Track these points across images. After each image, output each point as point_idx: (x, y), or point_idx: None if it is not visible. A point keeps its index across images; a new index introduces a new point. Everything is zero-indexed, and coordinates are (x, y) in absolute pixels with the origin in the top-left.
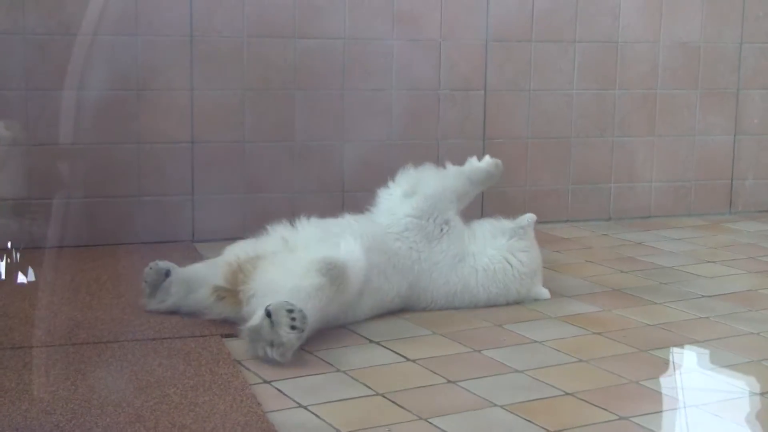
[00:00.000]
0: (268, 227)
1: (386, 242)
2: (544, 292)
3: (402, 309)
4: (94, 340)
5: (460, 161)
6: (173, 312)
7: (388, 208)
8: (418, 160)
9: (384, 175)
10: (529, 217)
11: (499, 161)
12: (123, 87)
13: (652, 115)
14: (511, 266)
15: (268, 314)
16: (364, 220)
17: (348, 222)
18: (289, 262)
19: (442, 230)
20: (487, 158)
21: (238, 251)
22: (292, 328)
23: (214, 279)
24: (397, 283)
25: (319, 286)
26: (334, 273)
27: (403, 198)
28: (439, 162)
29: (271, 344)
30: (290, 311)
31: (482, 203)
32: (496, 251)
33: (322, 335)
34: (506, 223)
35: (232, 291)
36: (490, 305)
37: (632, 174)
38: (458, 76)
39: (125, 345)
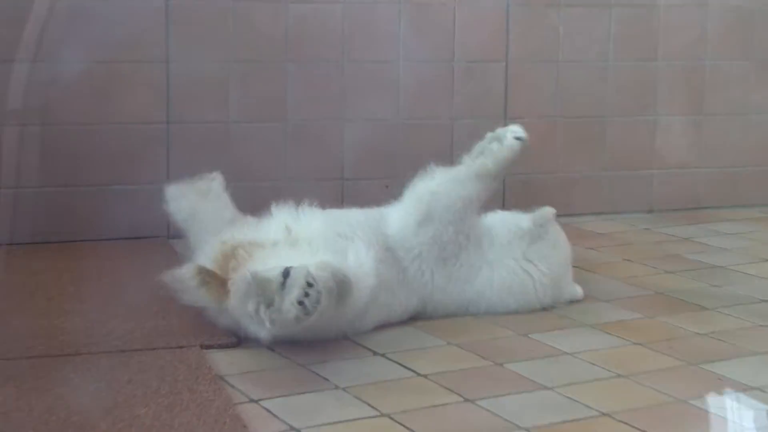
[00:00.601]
0: (273, 209)
1: (397, 257)
2: (577, 291)
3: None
4: (53, 352)
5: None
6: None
7: (402, 236)
8: (429, 142)
9: (390, 160)
10: (545, 213)
11: (524, 134)
12: (87, 59)
13: (700, 91)
14: (532, 278)
15: (286, 274)
16: (374, 222)
17: (357, 220)
18: (288, 260)
19: (460, 246)
20: (509, 135)
21: (236, 232)
22: (300, 303)
23: (202, 257)
24: (407, 299)
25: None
26: (331, 285)
27: (417, 228)
28: (453, 144)
29: (268, 305)
30: (310, 284)
31: (504, 194)
32: (515, 261)
33: (317, 346)
34: (524, 222)
35: (219, 278)
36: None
37: (677, 159)
38: (476, 44)
39: (89, 358)
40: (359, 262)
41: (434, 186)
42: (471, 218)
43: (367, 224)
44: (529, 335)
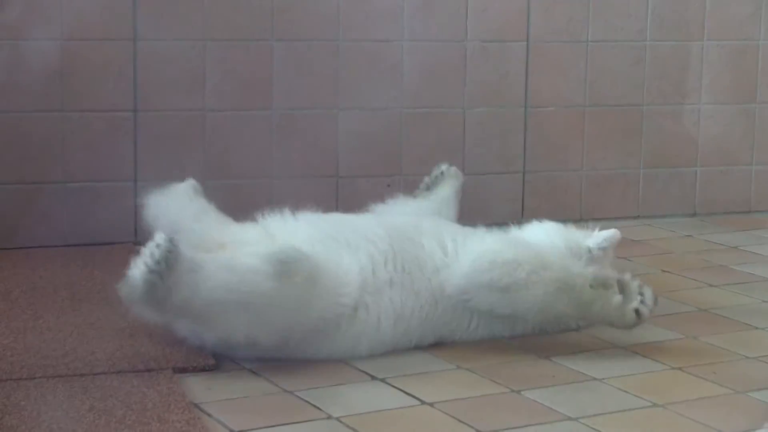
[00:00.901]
0: (261, 217)
1: (435, 297)
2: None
3: None
4: (2, 376)
5: (492, 136)
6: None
7: (460, 290)
8: (437, 135)
9: (391, 154)
10: (612, 237)
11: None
12: (42, 35)
13: (752, 75)
14: None
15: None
16: (400, 233)
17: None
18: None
19: None
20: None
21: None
22: (145, 264)
23: None
24: (422, 333)
25: (255, 270)
26: (286, 268)
27: (489, 291)
28: (465, 137)
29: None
30: (158, 245)
31: (522, 195)
32: None
33: (307, 369)
34: (585, 241)
35: None
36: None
37: (725, 155)
38: (492, 21)
39: (44, 383)
40: (350, 269)
41: (523, 259)
42: None
43: (388, 236)
44: (551, 358)
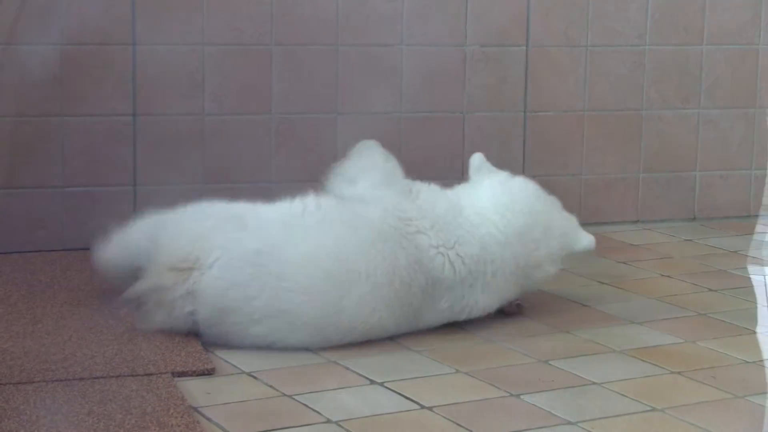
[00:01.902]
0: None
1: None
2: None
3: (413, 338)
4: (2, 380)
5: (491, 140)
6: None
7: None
8: (436, 139)
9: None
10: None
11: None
12: (41, 40)
13: (752, 80)
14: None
15: None
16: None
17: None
18: None
19: None
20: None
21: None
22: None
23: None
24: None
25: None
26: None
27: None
28: (464, 142)
29: None
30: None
31: None
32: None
33: (305, 373)
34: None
35: None
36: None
37: (725, 159)
38: (491, 26)
39: (43, 387)
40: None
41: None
42: None
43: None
44: (550, 362)
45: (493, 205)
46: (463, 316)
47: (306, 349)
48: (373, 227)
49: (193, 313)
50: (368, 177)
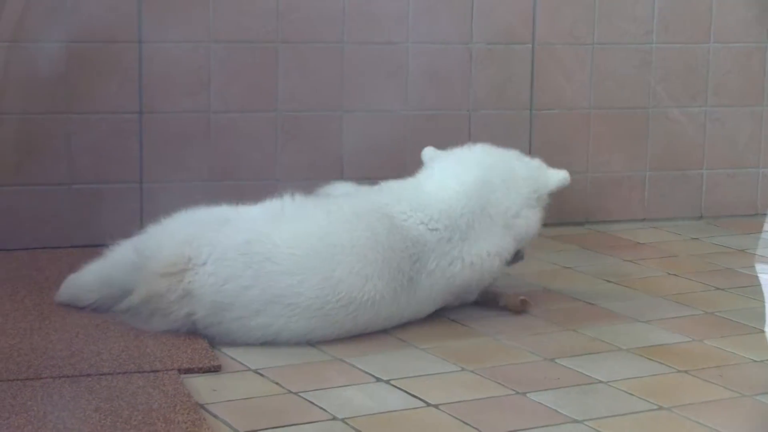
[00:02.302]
0: None
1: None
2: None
3: (420, 336)
4: (8, 376)
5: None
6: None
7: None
8: (442, 137)
9: (396, 157)
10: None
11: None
12: (47, 38)
13: (759, 78)
14: None
15: None
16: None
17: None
18: None
19: None
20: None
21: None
22: None
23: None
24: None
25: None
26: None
27: None
28: (470, 140)
29: None
30: None
31: None
32: None
33: (311, 368)
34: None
35: None
36: None
37: (732, 157)
38: (497, 24)
39: (50, 383)
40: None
41: None
42: None
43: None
44: (556, 360)
45: (448, 170)
46: (456, 269)
47: (310, 344)
48: (346, 208)
49: (192, 314)
50: (339, 188)
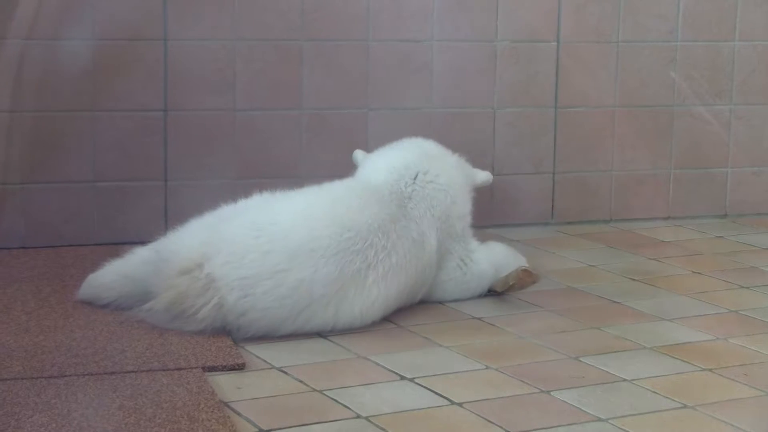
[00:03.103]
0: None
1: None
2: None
3: (444, 334)
4: (33, 374)
5: (522, 136)
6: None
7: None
8: (466, 134)
9: None
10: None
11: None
12: (73, 35)
13: None
14: None
15: None
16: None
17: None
18: None
19: None
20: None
21: None
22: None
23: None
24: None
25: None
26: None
27: None
28: (495, 137)
29: None
30: None
31: (552, 196)
32: None
33: (335, 366)
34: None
35: None
36: None
37: (757, 155)
38: (522, 22)
39: (74, 381)
40: None
41: None
42: None
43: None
44: (581, 359)
45: (378, 159)
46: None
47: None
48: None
49: (221, 303)
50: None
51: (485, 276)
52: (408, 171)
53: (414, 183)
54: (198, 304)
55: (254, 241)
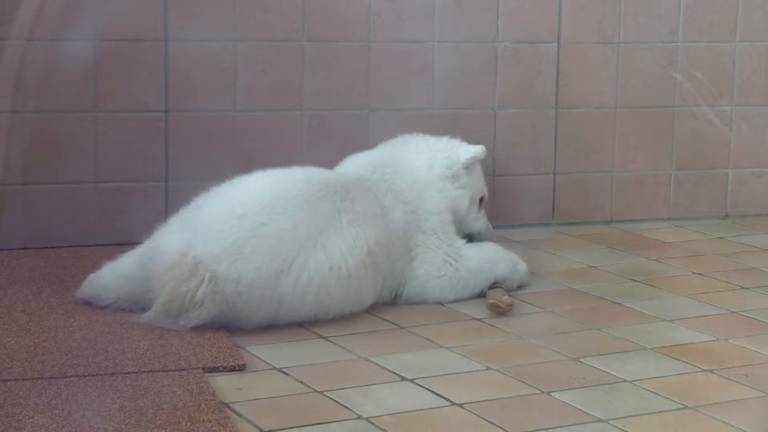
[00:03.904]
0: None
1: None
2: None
3: (444, 335)
4: (33, 375)
5: (523, 137)
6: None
7: None
8: (468, 135)
9: None
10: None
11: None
12: (74, 36)
13: None
14: None
15: None
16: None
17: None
18: None
19: None
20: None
21: None
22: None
23: None
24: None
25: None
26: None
27: None
28: (495, 137)
29: None
30: None
31: (553, 196)
32: None
33: (336, 367)
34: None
35: None
36: None
37: (758, 156)
38: (523, 22)
39: (75, 381)
40: None
41: None
42: None
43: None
44: (581, 359)
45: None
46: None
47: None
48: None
49: (214, 279)
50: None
51: (481, 271)
52: (370, 165)
53: (374, 174)
54: (193, 286)
55: (228, 211)
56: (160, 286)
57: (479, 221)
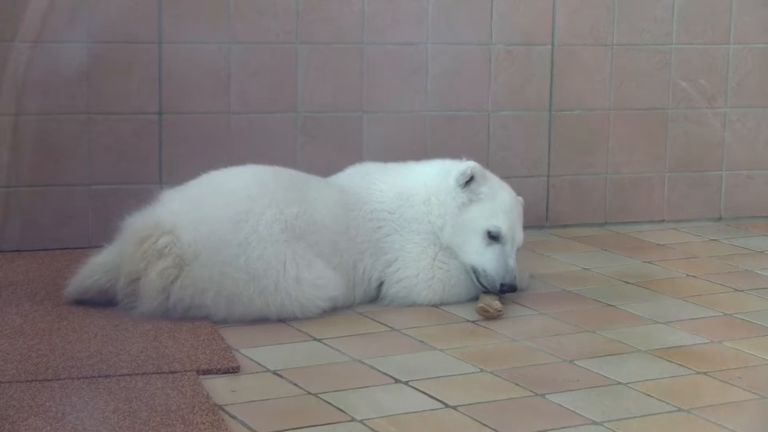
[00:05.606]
0: None
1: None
2: None
3: (438, 337)
4: (28, 377)
5: (517, 139)
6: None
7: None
8: (462, 137)
9: (416, 156)
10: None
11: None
12: (68, 38)
13: None
14: None
15: None
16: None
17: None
18: None
19: None
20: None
21: None
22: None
23: None
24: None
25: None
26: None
27: None
28: (489, 139)
29: None
30: None
31: (547, 199)
32: None
33: (330, 370)
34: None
35: None
36: None
37: (752, 159)
38: (517, 25)
39: (68, 384)
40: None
41: None
42: None
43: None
44: (575, 362)
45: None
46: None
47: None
48: None
49: (181, 256)
50: None
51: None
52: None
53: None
54: (155, 236)
55: (194, 192)
56: (128, 246)
57: (484, 256)
